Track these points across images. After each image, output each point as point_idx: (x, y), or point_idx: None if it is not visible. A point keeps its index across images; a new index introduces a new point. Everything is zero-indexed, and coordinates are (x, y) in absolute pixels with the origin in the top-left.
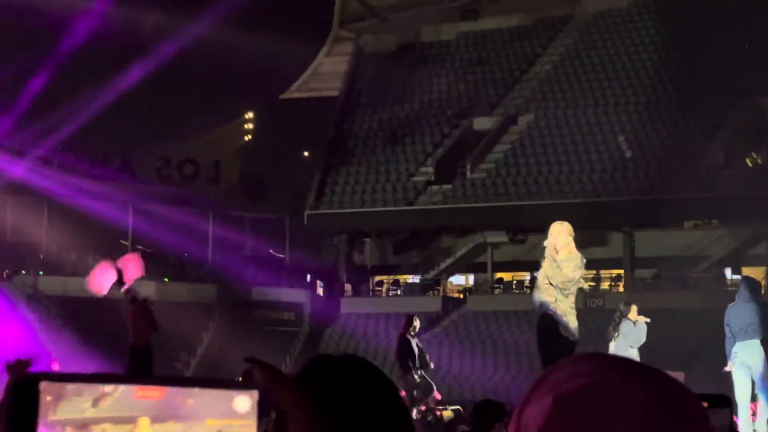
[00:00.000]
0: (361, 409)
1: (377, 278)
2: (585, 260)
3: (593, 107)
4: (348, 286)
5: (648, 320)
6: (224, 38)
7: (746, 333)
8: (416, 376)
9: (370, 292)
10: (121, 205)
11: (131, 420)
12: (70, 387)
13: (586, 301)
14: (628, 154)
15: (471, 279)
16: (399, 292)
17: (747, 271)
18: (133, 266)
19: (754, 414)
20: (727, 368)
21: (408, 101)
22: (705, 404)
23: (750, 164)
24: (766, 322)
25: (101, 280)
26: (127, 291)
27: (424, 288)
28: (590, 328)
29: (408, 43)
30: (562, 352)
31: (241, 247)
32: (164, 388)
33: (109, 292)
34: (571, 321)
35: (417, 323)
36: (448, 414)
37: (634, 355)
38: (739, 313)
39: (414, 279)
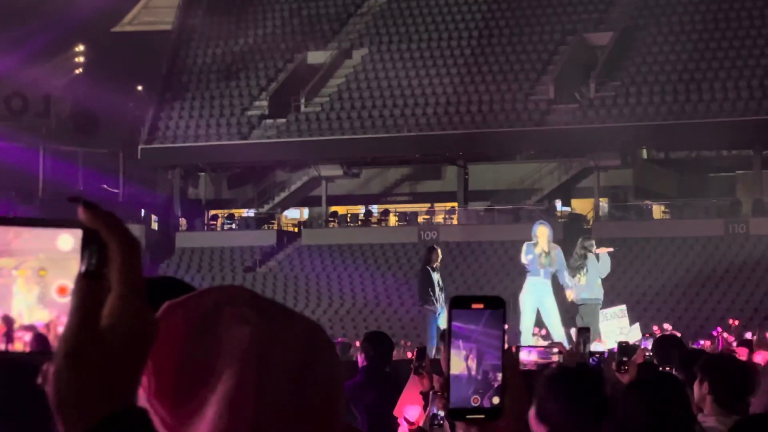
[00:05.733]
0: None
1: (212, 212)
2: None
3: (426, 41)
4: (183, 221)
5: (611, 249)
6: None
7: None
8: (434, 308)
9: (205, 227)
10: None
11: None
12: None
13: (420, 234)
14: None
15: (305, 213)
16: (234, 226)
17: (576, 203)
18: None
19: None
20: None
21: (242, 36)
22: (481, 305)
23: (578, 98)
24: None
25: None
26: None
27: (258, 222)
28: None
29: None
30: None
31: (73, 182)
32: None
33: None
34: None
35: (439, 255)
36: None
37: (599, 284)
38: None
39: (249, 213)
